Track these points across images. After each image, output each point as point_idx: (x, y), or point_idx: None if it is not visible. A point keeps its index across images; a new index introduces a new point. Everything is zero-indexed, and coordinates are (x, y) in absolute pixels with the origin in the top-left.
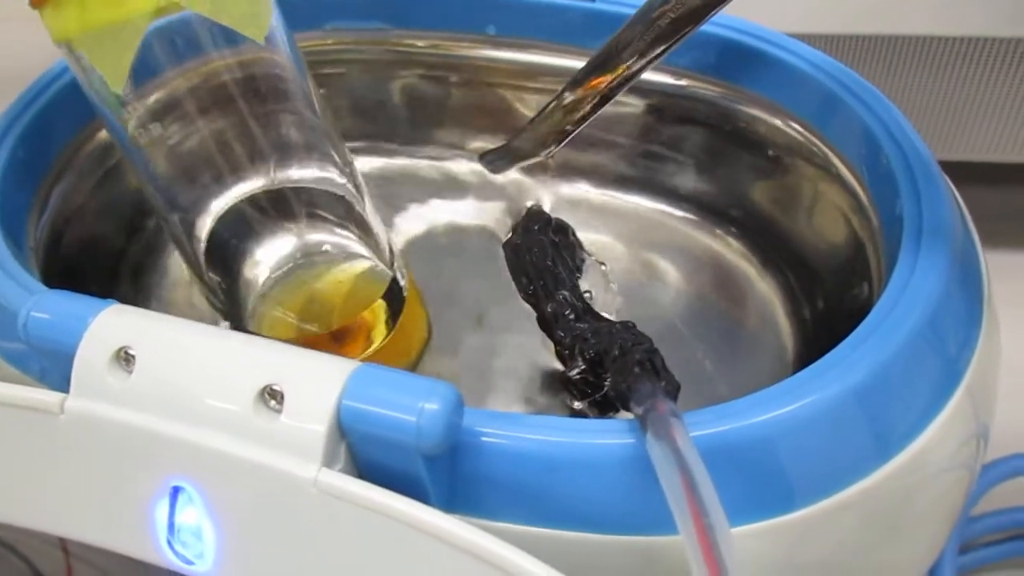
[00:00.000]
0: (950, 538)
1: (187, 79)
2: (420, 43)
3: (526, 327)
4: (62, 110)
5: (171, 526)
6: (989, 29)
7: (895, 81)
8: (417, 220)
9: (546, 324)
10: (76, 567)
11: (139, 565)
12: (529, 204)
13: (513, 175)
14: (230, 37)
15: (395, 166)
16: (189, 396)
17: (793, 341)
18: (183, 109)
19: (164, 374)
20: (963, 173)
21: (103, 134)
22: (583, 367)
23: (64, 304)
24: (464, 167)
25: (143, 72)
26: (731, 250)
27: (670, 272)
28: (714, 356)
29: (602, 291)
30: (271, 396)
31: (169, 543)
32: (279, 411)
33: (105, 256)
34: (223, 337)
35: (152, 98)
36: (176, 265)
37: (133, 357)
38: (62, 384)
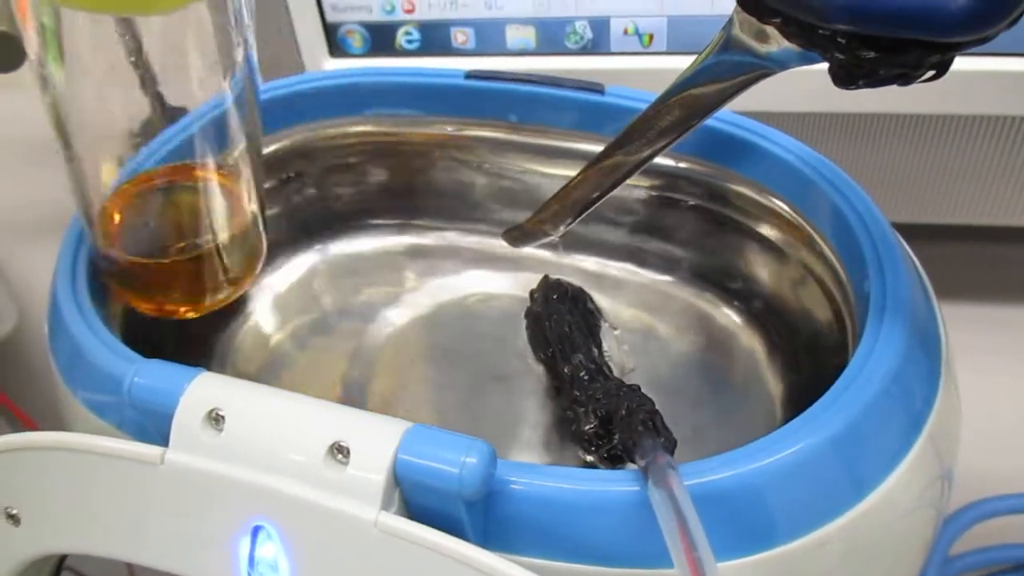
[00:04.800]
0: (926, 574)
1: None
2: (449, 128)
3: (544, 386)
4: None
5: (251, 559)
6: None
7: (863, 152)
8: (446, 290)
9: (562, 385)
10: None
11: None
12: (547, 275)
13: (533, 248)
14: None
15: (425, 242)
16: (270, 450)
17: (781, 395)
18: None
19: (249, 431)
20: (928, 232)
21: None
22: (595, 423)
23: (162, 372)
24: (489, 242)
25: None
26: (726, 316)
27: (671, 335)
28: (711, 408)
29: (616, 353)
30: (339, 451)
31: (249, 574)
32: (345, 463)
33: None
34: (298, 400)
35: None
36: (239, 331)
37: (223, 417)
38: (142, 433)
